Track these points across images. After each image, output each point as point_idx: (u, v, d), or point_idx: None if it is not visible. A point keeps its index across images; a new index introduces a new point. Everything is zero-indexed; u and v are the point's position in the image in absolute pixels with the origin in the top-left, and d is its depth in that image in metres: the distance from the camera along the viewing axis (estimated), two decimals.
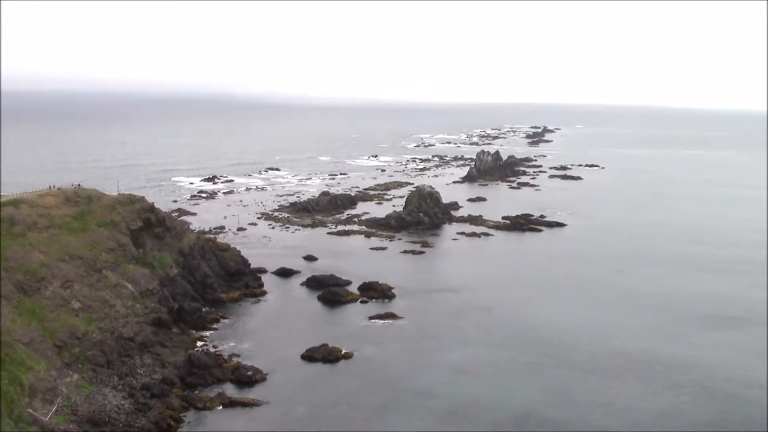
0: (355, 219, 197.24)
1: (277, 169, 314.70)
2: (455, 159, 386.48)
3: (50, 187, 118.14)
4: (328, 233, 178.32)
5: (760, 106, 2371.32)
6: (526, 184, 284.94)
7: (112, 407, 75.46)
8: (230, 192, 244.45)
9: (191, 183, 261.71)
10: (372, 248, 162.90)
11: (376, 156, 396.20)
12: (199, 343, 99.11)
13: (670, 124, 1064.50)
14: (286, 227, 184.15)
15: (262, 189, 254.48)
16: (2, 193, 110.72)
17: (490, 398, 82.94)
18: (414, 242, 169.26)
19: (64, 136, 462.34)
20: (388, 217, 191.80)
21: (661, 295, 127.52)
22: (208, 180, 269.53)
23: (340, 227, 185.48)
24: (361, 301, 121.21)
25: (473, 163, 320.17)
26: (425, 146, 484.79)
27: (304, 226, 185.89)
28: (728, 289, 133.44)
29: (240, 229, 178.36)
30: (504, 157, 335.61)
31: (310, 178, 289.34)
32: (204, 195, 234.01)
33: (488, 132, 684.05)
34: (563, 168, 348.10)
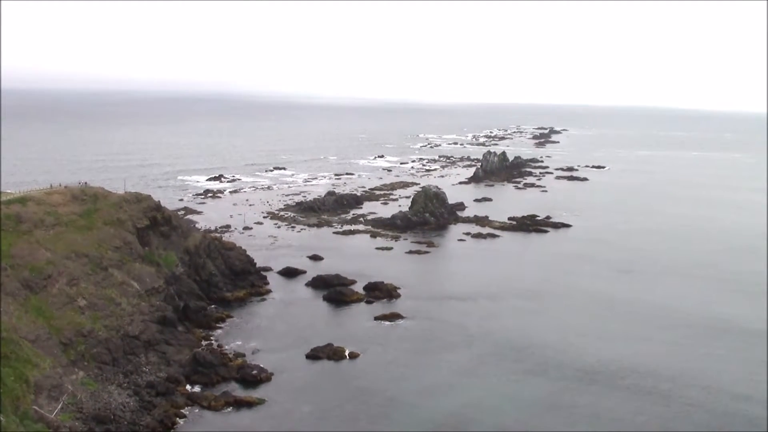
0: (361, 219, 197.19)
1: (284, 169, 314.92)
2: (461, 159, 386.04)
3: (51, 185, 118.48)
4: (334, 233, 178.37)
5: (760, 108, 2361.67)
6: (532, 185, 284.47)
7: (117, 405, 75.56)
8: (236, 191, 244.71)
9: (197, 182, 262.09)
10: (377, 248, 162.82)
11: (382, 156, 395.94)
12: (204, 342, 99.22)
13: (676, 125, 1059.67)
14: (292, 226, 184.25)
15: (269, 188, 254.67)
16: (6, 192, 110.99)
17: (490, 404, 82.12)
18: (420, 242, 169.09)
19: (68, 134, 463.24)
20: (393, 217, 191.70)
21: (664, 304, 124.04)
22: (215, 179, 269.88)
23: (346, 227, 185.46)
24: (367, 301, 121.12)
25: (479, 163, 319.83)
26: (431, 146, 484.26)
27: (309, 225, 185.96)
28: (729, 297, 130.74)
29: (246, 228, 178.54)
30: (510, 157, 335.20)
31: (317, 178, 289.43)
32: (210, 194, 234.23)
33: (495, 133, 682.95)
34: (569, 169, 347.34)
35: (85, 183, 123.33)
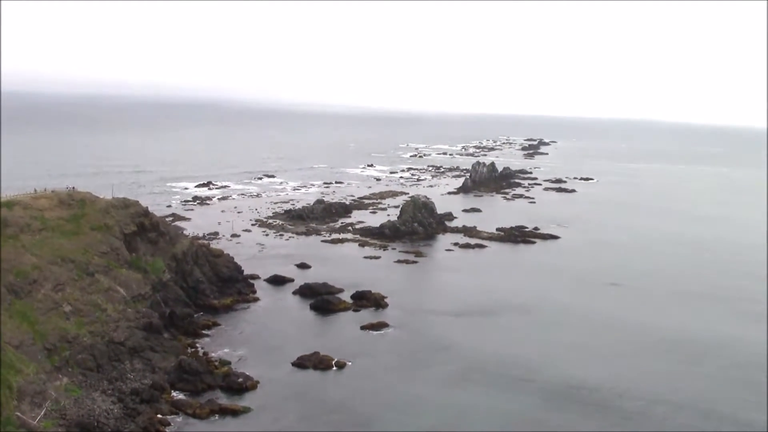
0: (350, 227, 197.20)
1: (273, 176, 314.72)
2: (450, 170, 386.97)
3: (35, 189, 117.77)
4: (322, 241, 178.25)
5: (760, 123, 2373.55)
6: (520, 196, 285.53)
7: (101, 412, 75.10)
8: (225, 198, 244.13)
9: (186, 188, 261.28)
10: (366, 257, 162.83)
11: (371, 165, 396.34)
12: (189, 349, 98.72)
13: (668, 138, 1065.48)
14: (280, 234, 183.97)
15: (257, 196, 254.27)
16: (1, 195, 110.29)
17: (474, 419, 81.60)
18: (408, 252, 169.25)
19: (60, 138, 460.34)
20: (382, 226, 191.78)
21: (651, 321, 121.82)
22: (203, 185, 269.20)
23: (334, 235, 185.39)
24: (354, 310, 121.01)
25: (468, 174, 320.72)
26: (421, 156, 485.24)
27: (298, 233, 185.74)
28: (720, 315, 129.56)
29: (234, 236, 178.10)
30: (499, 168, 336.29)
31: (305, 186, 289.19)
32: (198, 200, 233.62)
33: (484, 143, 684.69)
34: (558, 181, 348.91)
35: (73, 188, 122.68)
